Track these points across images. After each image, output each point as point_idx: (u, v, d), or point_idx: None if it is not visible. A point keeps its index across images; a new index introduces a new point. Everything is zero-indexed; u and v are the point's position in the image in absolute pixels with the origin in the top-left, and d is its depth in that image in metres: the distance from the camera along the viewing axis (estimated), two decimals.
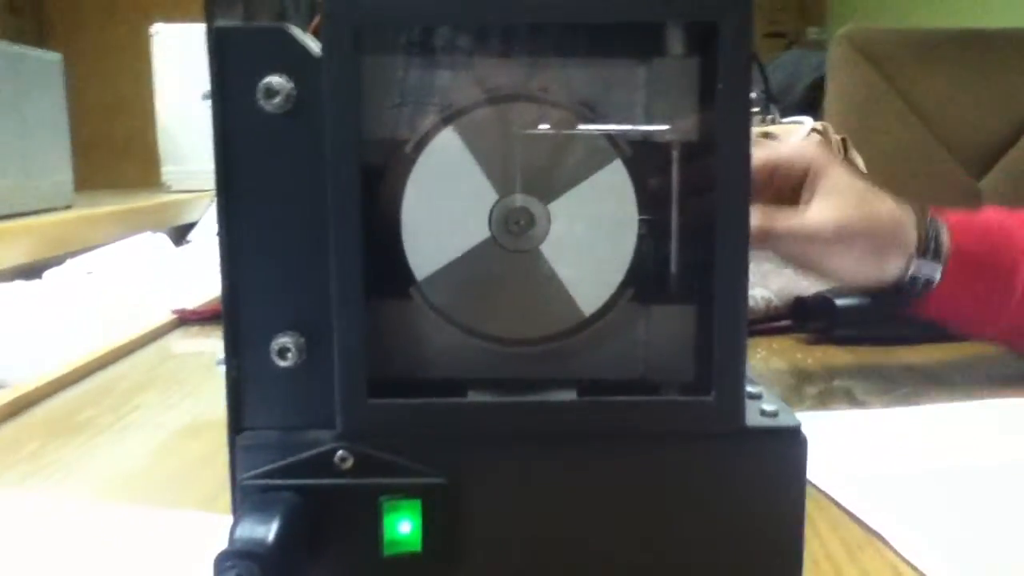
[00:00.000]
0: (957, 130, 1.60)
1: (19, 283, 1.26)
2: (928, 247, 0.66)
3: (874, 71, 1.61)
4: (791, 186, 0.64)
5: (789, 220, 0.63)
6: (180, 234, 1.94)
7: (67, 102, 1.82)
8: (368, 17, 0.34)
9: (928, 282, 0.65)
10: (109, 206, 1.86)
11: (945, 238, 0.66)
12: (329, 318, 0.35)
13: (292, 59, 0.35)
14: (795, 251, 0.64)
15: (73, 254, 1.47)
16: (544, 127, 0.37)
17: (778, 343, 0.84)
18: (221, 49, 0.35)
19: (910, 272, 0.65)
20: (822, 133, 0.99)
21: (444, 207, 0.36)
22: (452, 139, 0.36)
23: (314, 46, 0.35)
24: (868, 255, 0.64)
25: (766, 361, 0.76)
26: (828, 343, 0.83)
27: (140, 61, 2.39)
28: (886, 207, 0.65)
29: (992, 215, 0.71)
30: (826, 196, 0.63)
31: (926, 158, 1.59)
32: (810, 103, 1.86)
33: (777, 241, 0.63)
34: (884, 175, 1.13)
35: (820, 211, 0.63)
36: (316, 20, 0.39)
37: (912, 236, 0.66)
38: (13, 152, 1.60)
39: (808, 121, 1.00)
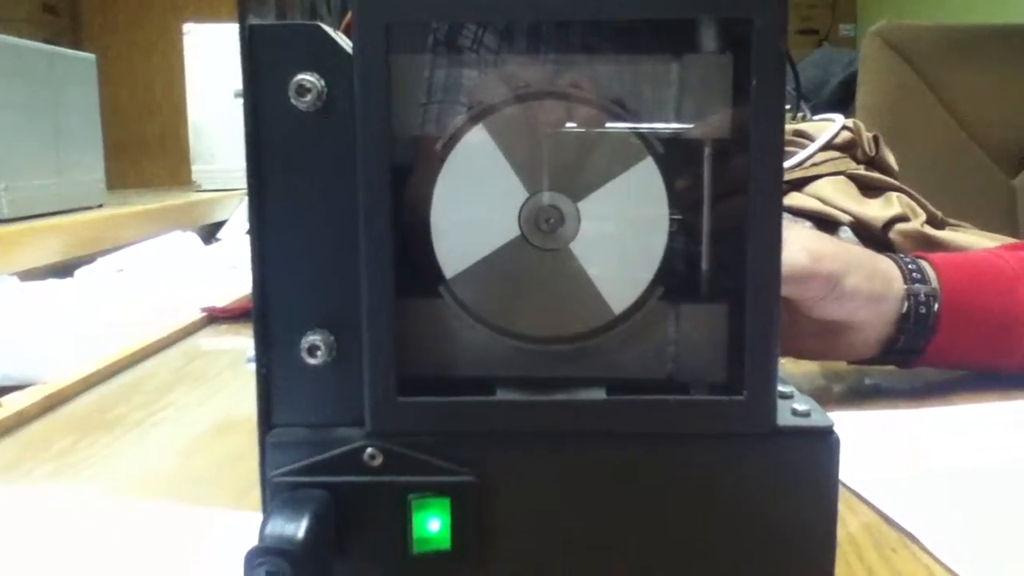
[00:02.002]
0: (991, 128, 1.58)
1: (51, 281, 1.27)
2: (912, 276, 0.65)
3: (906, 68, 1.59)
4: None
5: None
6: (210, 232, 1.95)
7: (99, 102, 1.84)
8: (399, 15, 0.34)
9: (930, 298, 0.64)
10: (140, 205, 1.88)
11: (924, 264, 0.66)
12: (358, 316, 0.35)
13: (324, 57, 0.35)
14: (785, 293, 0.61)
15: (104, 253, 1.49)
16: (574, 125, 0.36)
17: None
18: (254, 46, 0.35)
19: (907, 303, 0.64)
20: (853, 131, 0.98)
21: (474, 205, 0.36)
22: (482, 137, 0.36)
23: (346, 44, 0.35)
24: (860, 294, 0.62)
25: (796, 360, 0.75)
26: None
27: (172, 61, 2.41)
28: (851, 245, 0.64)
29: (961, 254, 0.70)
30: (788, 242, 0.63)
31: (959, 156, 1.57)
32: (842, 100, 1.84)
33: None
34: (916, 173, 1.12)
35: (788, 250, 0.61)
36: (348, 18, 0.39)
37: (893, 268, 0.65)
38: (47, 152, 1.62)
39: (839, 119, 0.99)
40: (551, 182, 0.36)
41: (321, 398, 0.36)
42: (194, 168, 2.35)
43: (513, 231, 0.36)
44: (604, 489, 0.36)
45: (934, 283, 0.65)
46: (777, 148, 0.35)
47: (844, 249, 0.66)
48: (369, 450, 0.35)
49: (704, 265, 0.37)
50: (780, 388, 0.37)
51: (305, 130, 0.35)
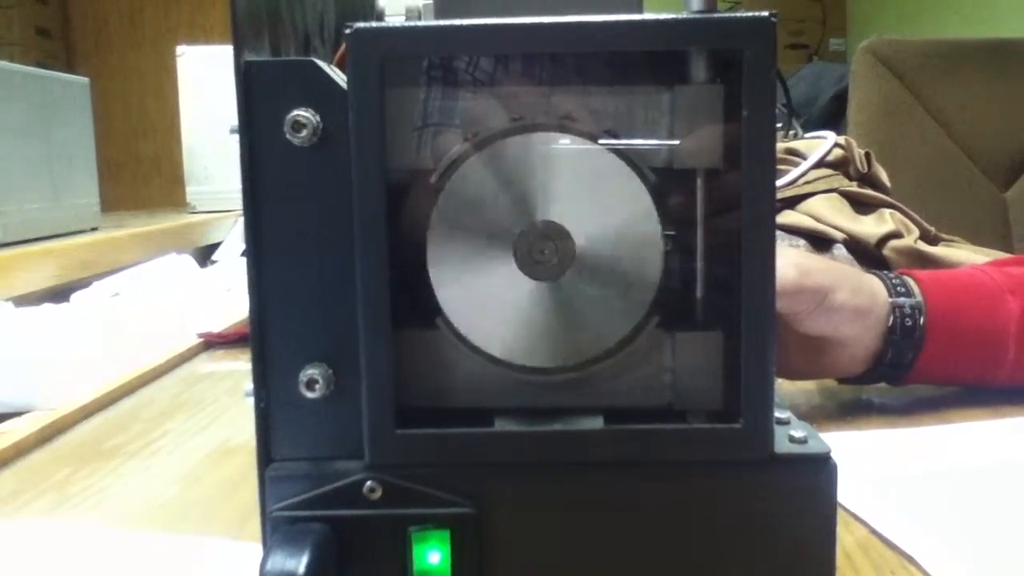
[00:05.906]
0: (982, 141, 1.59)
1: (47, 306, 1.27)
2: (896, 290, 0.65)
3: (897, 83, 1.60)
4: None
5: None
6: (205, 254, 1.95)
7: (93, 124, 1.85)
8: (392, 50, 0.35)
9: (915, 311, 0.64)
10: (135, 228, 1.88)
11: (908, 279, 0.66)
12: (356, 349, 0.35)
13: (319, 92, 0.35)
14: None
15: (100, 276, 1.49)
16: (568, 156, 0.37)
17: None
18: (249, 83, 0.36)
19: (893, 316, 0.64)
20: (845, 148, 0.99)
21: (469, 236, 0.37)
22: (477, 169, 0.36)
23: (340, 79, 0.36)
24: (847, 308, 0.62)
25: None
26: None
27: (165, 83, 2.42)
28: (835, 262, 0.64)
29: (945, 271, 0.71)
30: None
31: (951, 170, 1.58)
32: (833, 115, 1.85)
33: None
34: (909, 188, 1.12)
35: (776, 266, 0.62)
36: (341, 52, 0.39)
37: (877, 283, 0.65)
38: (41, 175, 1.62)
39: (831, 137, 1.00)
40: (546, 213, 0.36)
41: (320, 431, 0.37)
42: (189, 190, 2.35)
43: (508, 262, 0.37)
44: (603, 518, 0.36)
45: (919, 296, 0.65)
46: (769, 176, 0.35)
47: (829, 265, 0.67)
48: (368, 483, 0.35)
49: (699, 293, 0.38)
50: (777, 414, 0.37)
51: (301, 165, 0.36)
